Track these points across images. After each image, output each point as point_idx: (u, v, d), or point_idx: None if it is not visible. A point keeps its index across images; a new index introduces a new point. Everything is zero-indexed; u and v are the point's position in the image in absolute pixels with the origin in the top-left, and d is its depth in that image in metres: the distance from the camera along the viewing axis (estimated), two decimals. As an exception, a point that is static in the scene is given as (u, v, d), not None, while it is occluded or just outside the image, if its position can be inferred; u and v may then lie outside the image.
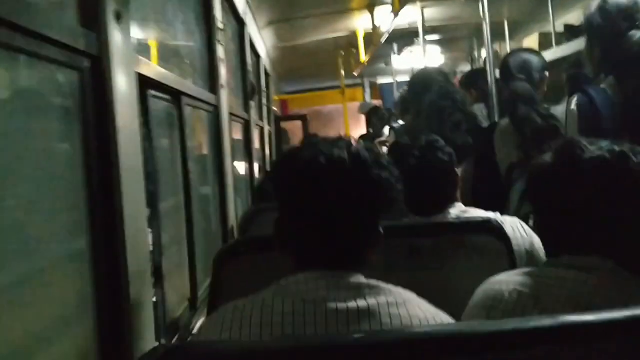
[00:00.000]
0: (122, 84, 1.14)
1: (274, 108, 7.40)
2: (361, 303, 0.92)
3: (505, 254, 1.64)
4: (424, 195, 1.87)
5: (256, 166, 4.10)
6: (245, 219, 2.39)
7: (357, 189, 0.96)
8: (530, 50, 2.79)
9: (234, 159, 3.02)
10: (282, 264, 1.23)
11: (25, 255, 0.92)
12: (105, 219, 1.09)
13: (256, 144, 4.52)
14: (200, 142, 2.48)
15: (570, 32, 4.75)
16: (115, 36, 1.13)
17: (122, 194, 1.11)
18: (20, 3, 0.85)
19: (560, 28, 4.96)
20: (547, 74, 2.52)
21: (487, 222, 1.66)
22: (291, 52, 6.28)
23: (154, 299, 1.44)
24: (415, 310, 0.98)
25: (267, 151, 5.58)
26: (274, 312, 0.92)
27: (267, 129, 5.63)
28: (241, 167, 3.73)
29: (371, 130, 6.57)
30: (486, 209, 1.84)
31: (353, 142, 1.02)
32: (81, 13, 1.07)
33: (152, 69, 1.52)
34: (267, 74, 6.05)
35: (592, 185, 1.02)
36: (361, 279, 0.97)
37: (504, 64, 2.54)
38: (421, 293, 1.61)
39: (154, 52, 2.30)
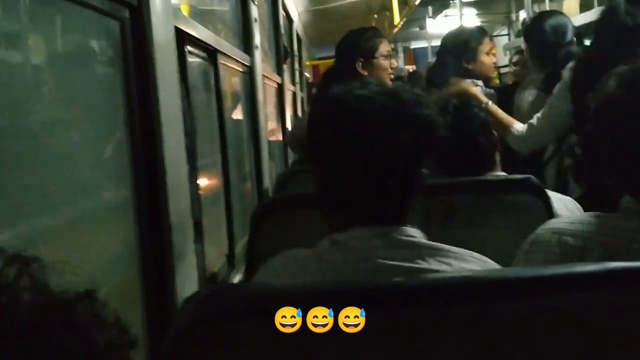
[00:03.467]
0: (161, 36, 1.14)
1: (306, 73, 7.35)
2: (421, 265, 0.89)
3: (545, 212, 1.62)
4: (461, 154, 1.84)
5: (289, 129, 4.09)
6: (280, 180, 2.39)
7: (404, 130, 0.91)
8: (559, 13, 2.70)
9: (267, 120, 3.02)
10: (316, 220, 1.23)
11: (74, 200, 0.94)
12: (147, 169, 1.10)
13: (289, 108, 4.51)
14: (235, 102, 2.48)
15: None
16: (154, -14, 1.12)
17: (163, 145, 1.12)
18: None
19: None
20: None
21: (526, 180, 1.63)
22: (323, 16, 6.20)
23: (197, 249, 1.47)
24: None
25: (301, 115, 5.57)
26: (334, 266, 0.89)
27: (299, 93, 5.61)
28: (275, 129, 3.73)
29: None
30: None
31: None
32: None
33: (189, 24, 1.52)
34: (299, 38, 6.00)
35: None
36: (416, 235, 0.94)
37: (539, 27, 2.45)
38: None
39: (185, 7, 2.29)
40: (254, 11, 2.57)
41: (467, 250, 0.97)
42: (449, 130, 1.83)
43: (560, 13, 2.63)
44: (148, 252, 1.09)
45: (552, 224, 1.10)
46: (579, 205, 1.77)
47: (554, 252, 0.99)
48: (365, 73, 2.51)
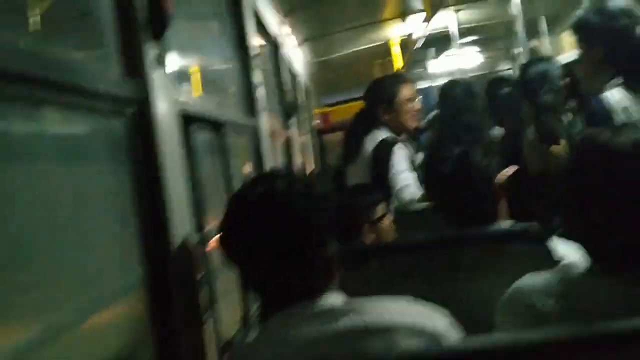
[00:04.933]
0: (165, 125, 1.23)
1: (315, 121, 7.48)
2: (340, 324, 1.02)
3: (548, 260, 1.65)
4: (464, 204, 1.88)
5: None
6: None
7: (284, 224, 1.06)
8: (547, 58, 2.74)
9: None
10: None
11: (85, 289, 1.01)
12: (156, 250, 1.17)
13: (297, 158, 4.61)
14: (243, 162, 2.57)
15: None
16: (157, 80, 1.21)
17: (171, 223, 1.19)
18: (68, 65, 0.94)
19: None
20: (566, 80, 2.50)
21: (527, 229, 1.67)
22: (328, 65, 6.37)
23: (209, 324, 1.52)
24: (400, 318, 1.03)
25: (309, 164, 5.66)
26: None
27: (308, 142, 5.72)
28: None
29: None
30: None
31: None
32: (125, 62, 1.16)
33: (194, 106, 1.61)
34: (306, 89, 6.15)
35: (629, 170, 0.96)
36: (334, 301, 1.08)
37: (523, 75, 2.53)
38: (464, 303, 1.64)
39: (195, 77, 2.40)
40: (257, 75, 2.68)
41: (388, 300, 1.08)
42: (449, 180, 1.90)
43: (547, 59, 2.70)
44: (159, 329, 1.15)
45: (521, 282, 1.16)
46: None
47: (519, 312, 1.05)
48: (387, 117, 2.64)
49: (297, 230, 1.06)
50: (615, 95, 1.96)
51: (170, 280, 1.19)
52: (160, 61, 1.24)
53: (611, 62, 1.98)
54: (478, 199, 1.88)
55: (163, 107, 1.22)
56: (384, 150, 2.58)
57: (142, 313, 1.16)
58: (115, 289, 1.15)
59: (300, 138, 5.22)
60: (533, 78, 2.42)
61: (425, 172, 2.20)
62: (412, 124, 2.72)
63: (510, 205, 1.96)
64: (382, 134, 2.64)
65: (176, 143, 1.30)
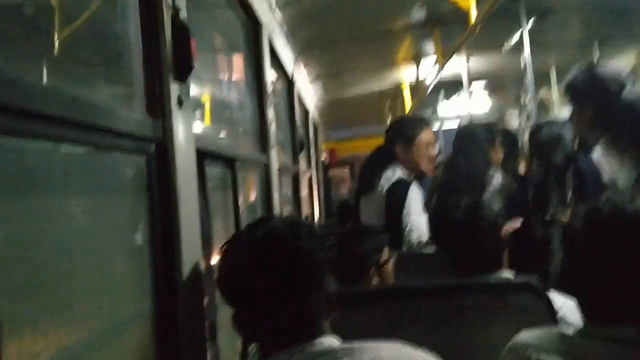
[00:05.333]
0: (183, 162, 1.28)
1: (323, 155, 7.56)
2: None
3: (547, 314, 1.67)
4: (470, 255, 1.92)
5: (304, 216, 4.22)
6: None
7: (282, 265, 1.10)
8: (558, 123, 2.81)
9: (282, 210, 3.14)
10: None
11: (100, 315, 1.04)
12: (167, 281, 1.21)
13: (304, 193, 4.66)
14: (252, 196, 2.61)
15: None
16: (177, 120, 1.27)
17: (181, 256, 1.23)
18: (94, 105, 0.99)
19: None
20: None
21: (527, 282, 1.70)
22: (339, 103, 6.47)
23: (210, 355, 1.54)
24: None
25: (316, 198, 5.71)
26: None
27: (315, 177, 5.78)
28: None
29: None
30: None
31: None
32: (148, 103, 1.22)
33: (209, 143, 1.67)
34: (315, 125, 6.24)
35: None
36: (330, 342, 1.11)
37: (536, 138, 2.61)
38: (463, 352, 1.66)
39: (207, 109, 2.47)
40: (270, 112, 2.75)
41: (383, 343, 1.11)
42: (457, 228, 1.94)
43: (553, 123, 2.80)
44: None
45: (521, 336, 1.20)
46: None
47: None
48: (404, 156, 2.70)
49: (294, 274, 1.11)
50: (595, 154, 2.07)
51: (178, 311, 1.22)
52: (182, 102, 1.29)
53: (597, 123, 2.04)
54: (484, 248, 1.92)
55: (182, 145, 1.27)
56: (400, 190, 2.64)
57: (149, 342, 1.19)
58: (127, 317, 1.19)
59: (308, 172, 5.29)
60: (545, 141, 2.50)
61: (433, 218, 2.23)
62: (427, 167, 2.79)
63: (511, 256, 2.00)
64: (397, 172, 2.70)
65: (192, 179, 1.35)
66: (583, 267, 1.12)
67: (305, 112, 5.37)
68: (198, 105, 2.52)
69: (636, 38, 4.36)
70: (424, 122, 2.94)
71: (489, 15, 2.93)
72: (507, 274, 1.95)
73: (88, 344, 1.02)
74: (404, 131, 2.77)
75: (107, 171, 1.12)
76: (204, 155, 1.64)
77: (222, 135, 2.23)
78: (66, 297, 0.95)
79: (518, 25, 3.53)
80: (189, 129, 1.35)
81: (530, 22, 3.78)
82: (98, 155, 1.06)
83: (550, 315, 1.67)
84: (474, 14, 3.05)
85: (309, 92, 5.25)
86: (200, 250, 1.36)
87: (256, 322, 1.15)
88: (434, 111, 7.40)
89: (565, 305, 1.80)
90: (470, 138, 3.05)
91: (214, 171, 1.84)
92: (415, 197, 2.64)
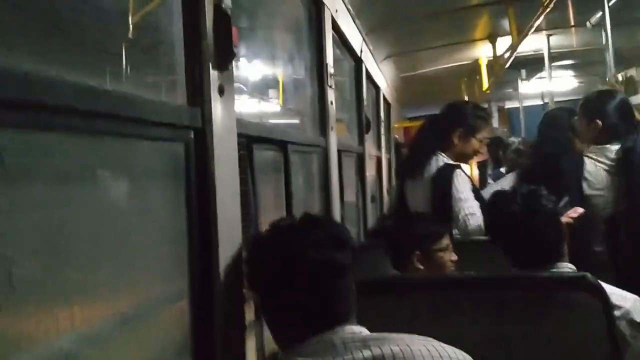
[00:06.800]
0: (223, 150, 1.30)
1: (396, 135, 7.47)
2: (369, 353, 1.07)
3: (601, 312, 1.59)
4: (527, 246, 1.85)
5: (369, 197, 4.20)
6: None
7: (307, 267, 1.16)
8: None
9: (343, 194, 3.15)
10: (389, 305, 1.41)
11: (136, 299, 1.10)
12: (202, 267, 1.25)
13: (371, 175, 4.63)
14: (308, 181, 2.64)
15: None
16: (218, 108, 1.29)
17: (219, 240, 1.27)
18: (134, 98, 1.03)
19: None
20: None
21: (582, 278, 1.62)
22: (412, 81, 6.35)
23: (252, 339, 1.59)
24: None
25: (386, 180, 5.67)
26: None
27: (385, 158, 5.73)
28: (352, 200, 3.85)
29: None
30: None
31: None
32: (188, 92, 1.25)
33: (258, 127, 1.70)
34: (387, 103, 6.16)
35: None
36: (361, 330, 1.15)
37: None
38: (508, 348, 1.61)
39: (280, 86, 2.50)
40: (331, 94, 2.74)
41: (414, 335, 1.13)
42: (515, 221, 1.87)
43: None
44: (201, 341, 1.23)
45: None
46: None
47: None
48: (458, 143, 2.67)
49: (319, 272, 1.15)
50: None
51: (214, 293, 1.27)
52: (223, 90, 1.32)
53: None
54: (541, 240, 1.85)
55: (221, 133, 1.30)
56: (448, 174, 2.59)
57: (186, 323, 1.24)
58: (165, 296, 1.25)
59: (377, 153, 5.25)
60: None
61: (490, 210, 2.17)
62: (472, 160, 2.80)
63: (571, 248, 1.91)
64: (440, 159, 2.66)
65: (233, 165, 1.38)
66: None
67: (377, 91, 5.31)
68: (273, 84, 2.55)
69: None
70: (488, 117, 2.90)
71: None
72: (566, 266, 1.87)
73: (130, 320, 1.08)
74: (467, 120, 2.71)
75: (146, 159, 1.16)
76: (251, 140, 1.67)
77: (278, 117, 2.25)
78: (106, 278, 1.01)
79: (601, 1, 3.31)
80: (230, 116, 1.37)
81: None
82: (137, 145, 1.11)
83: (606, 314, 1.59)
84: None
85: (379, 70, 5.18)
86: (239, 236, 1.40)
87: (283, 315, 1.20)
88: (515, 88, 7.11)
89: (623, 301, 1.71)
90: (554, 125, 2.95)
91: (264, 155, 1.87)
92: (464, 181, 2.59)
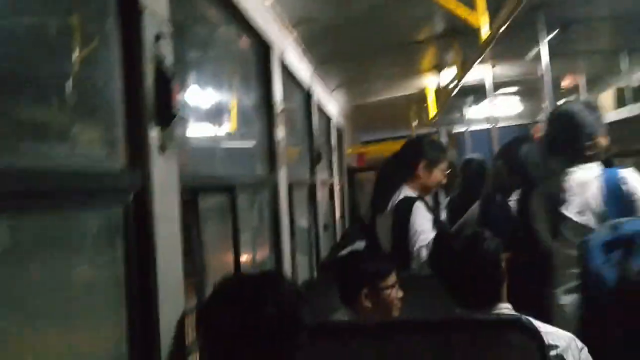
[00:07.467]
0: (164, 207, 1.31)
1: (347, 162, 7.55)
2: None
3: (536, 353, 1.65)
4: (467, 287, 1.89)
5: (321, 226, 4.23)
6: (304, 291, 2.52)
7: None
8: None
9: (294, 227, 3.17)
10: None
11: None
12: (143, 328, 1.25)
13: (324, 202, 4.67)
14: (259, 219, 2.65)
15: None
16: (159, 167, 1.30)
17: (160, 302, 1.27)
18: (71, 159, 1.03)
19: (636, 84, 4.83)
20: None
21: (517, 320, 1.68)
22: (365, 108, 6.46)
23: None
24: None
25: (338, 206, 5.72)
26: None
27: (337, 184, 5.78)
28: (305, 231, 3.88)
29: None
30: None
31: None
32: (128, 152, 1.25)
33: (203, 178, 1.70)
34: (339, 130, 6.24)
35: None
36: None
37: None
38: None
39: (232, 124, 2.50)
40: (280, 132, 2.77)
41: None
42: (457, 261, 1.91)
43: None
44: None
45: None
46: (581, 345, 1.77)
47: None
48: (421, 175, 2.75)
49: (265, 327, 1.15)
50: None
51: (156, 350, 1.26)
52: (165, 147, 1.33)
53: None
54: (483, 283, 1.89)
55: (162, 190, 1.31)
56: (406, 207, 2.65)
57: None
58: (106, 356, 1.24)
59: (329, 180, 5.30)
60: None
61: (434, 246, 2.22)
62: (433, 190, 2.90)
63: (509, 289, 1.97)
64: (403, 191, 2.73)
65: (173, 224, 1.38)
66: None
67: (328, 120, 5.38)
68: (222, 124, 2.56)
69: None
70: (447, 150, 3.03)
71: (506, 28, 2.88)
72: (505, 307, 1.92)
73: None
74: (431, 151, 2.81)
75: (83, 228, 1.16)
76: (197, 192, 1.68)
77: (228, 158, 2.26)
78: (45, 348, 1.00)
79: (538, 37, 3.48)
80: (172, 174, 1.38)
81: (553, 33, 3.71)
82: (74, 215, 1.10)
83: (540, 355, 1.65)
84: (485, 29, 3.03)
85: (330, 99, 5.26)
86: (182, 296, 1.40)
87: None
88: (461, 114, 7.32)
89: (561, 341, 1.76)
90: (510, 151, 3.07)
91: (211, 202, 1.87)
92: (421, 214, 2.64)
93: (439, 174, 2.81)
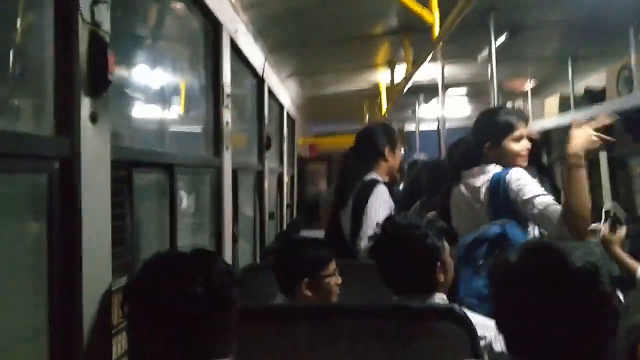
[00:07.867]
0: (93, 179, 1.26)
1: (301, 150, 7.54)
2: None
3: (467, 343, 1.67)
4: (402, 274, 1.91)
5: (267, 214, 4.20)
6: (243, 276, 2.49)
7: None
8: None
9: (238, 213, 3.13)
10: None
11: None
12: (65, 303, 1.20)
13: (271, 191, 4.64)
14: (200, 202, 2.60)
15: (590, 96, 4.78)
16: (89, 137, 1.25)
17: (85, 276, 1.22)
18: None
19: (581, 91, 4.99)
20: None
21: (450, 310, 1.70)
22: (317, 100, 6.45)
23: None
24: None
25: (286, 195, 5.70)
26: None
27: (287, 173, 5.76)
28: (250, 218, 3.84)
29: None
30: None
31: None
32: (57, 119, 1.19)
33: (139, 152, 1.65)
34: (291, 119, 6.21)
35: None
36: None
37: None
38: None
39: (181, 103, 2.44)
40: (226, 115, 2.72)
41: None
42: (394, 248, 1.92)
43: None
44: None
45: None
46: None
47: None
48: (384, 164, 2.76)
49: (192, 304, 1.13)
50: None
51: (77, 331, 1.21)
52: (96, 117, 1.27)
53: None
54: (418, 270, 1.90)
55: (92, 163, 1.25)
56: (368, 187, 2.65)
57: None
58: (23, 334, 1.18)
59: (279, 169, 5.27)
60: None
61: (375, 235, 2.22)
62: (394, 176, 2.92)
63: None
64: (375, 176, 2.73)
65: (103, 197, 1.33)
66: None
67: (280, 108, 5.35)
68: (166, 102, 2.50)
69: (608, 56, 4.39)
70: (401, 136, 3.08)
71: (456, 28, 2.92)
72: (440, 297, 1.94)
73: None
74: (392, 134, 2.85)
75: (2, 193, 1.10)
76: (131, 166, 1.62)
77: (169, 138, 2.20)
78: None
79: (489, 39, 3.54)
80: (104, 144, 1.33)
81: (503, 37, 3.79)
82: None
83: (472, 345, 1.67)
84: (437, 27, 3.06)
85: (283, 88, 5.22)
86: (109, 271, 1.35)
87: (160, 346, 1.16)
88: (414, 112, 7.40)
89: (489, 331, 1.80)
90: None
91: (147, 180, 1.82)
92: (381, 197, 2.63)
93: (399, 155, 2.86)
